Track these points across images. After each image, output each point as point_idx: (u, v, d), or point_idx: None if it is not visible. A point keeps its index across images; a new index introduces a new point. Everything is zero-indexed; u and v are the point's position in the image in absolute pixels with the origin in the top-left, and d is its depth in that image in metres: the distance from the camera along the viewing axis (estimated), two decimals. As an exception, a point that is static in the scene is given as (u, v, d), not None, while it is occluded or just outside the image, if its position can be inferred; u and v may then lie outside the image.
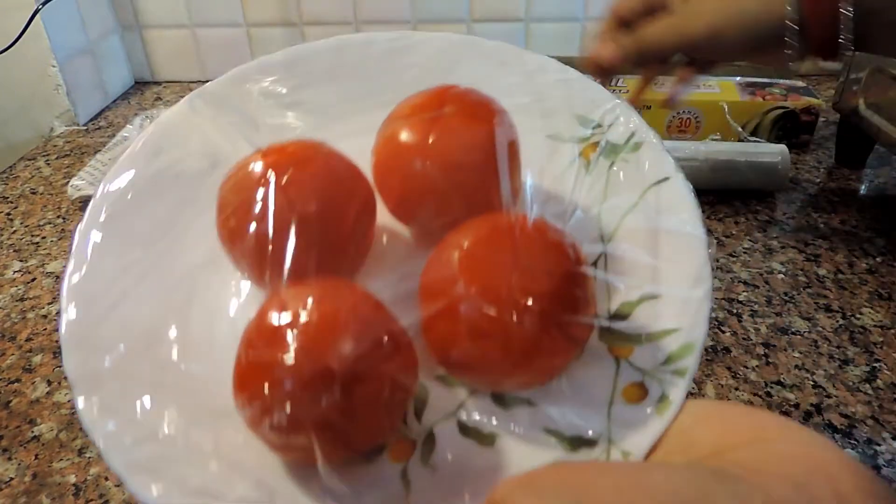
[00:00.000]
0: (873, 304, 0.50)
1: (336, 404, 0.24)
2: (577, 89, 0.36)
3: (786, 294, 0.51)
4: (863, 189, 0.64)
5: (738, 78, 0.73)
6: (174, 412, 0.27)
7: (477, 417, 0.28)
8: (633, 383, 0.28)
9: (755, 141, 0.66)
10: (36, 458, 0.40)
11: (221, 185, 0.31)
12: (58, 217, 0.65)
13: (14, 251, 0.60)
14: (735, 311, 0.49)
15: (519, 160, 0.33)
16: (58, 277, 0.56)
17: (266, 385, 0.24)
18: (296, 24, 0.91)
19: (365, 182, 0.33)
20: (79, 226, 0.32)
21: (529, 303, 0.26)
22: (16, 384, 0.45)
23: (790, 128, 0.70)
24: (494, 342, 0.26)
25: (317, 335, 0.25)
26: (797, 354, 0.46)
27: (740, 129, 0.68)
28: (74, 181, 0.64)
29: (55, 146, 0.79)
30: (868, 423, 0.40)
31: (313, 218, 0.29)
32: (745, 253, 0.56)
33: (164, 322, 0.31)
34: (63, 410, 0.43)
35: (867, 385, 0.43)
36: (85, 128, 0.84)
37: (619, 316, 0.30)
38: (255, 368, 0.25)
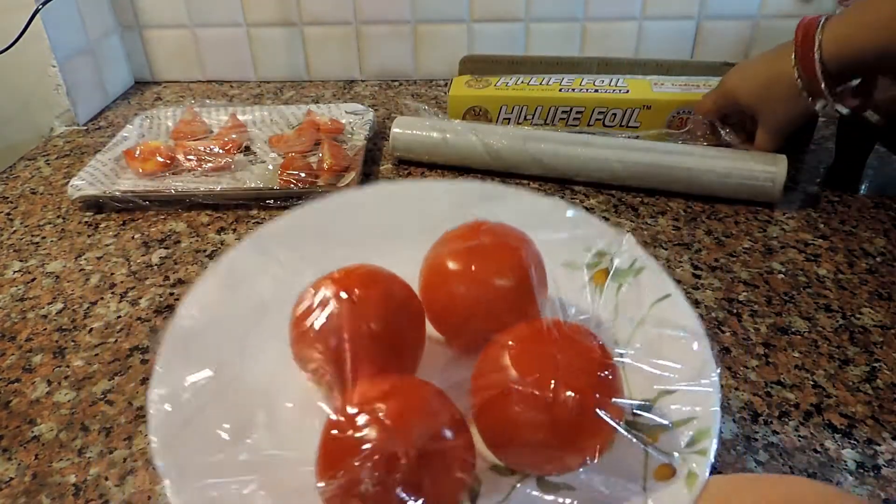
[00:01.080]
0: (873, 304, 0.50)
1: (411, 480, 0.28)
2: (585, 224, 0.45)
3: (786, 294, 0.51)
4: (863, 189, 0.64)
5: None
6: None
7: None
8: (663, 465, 0.33)
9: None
10: (36, 458, 0.40)
11: (295, 307, 0.36)
12: (58, 217, 0.65)
13: (14, 251, 0.60)
14: (735, 311, 0.49)
15: (546, 278, 0.39)
16: (58, 277, 0.56)
17: (350, 463, 0.28)
18: (296, 24, 0.91)
19: (417, 300, 0.39)
20: (160, 351, 0.37)
21: (572, 390, 0.31)
22: (16, 384, 0.45)
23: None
24: (543, 423, 0.31)
25: (393, 420, 0.29)
26: (797, 354, 0.46)
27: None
28: (74, 181, 0.64)
29: (55, 146, 0.79)
30: (868, 423, 0.40)
31: (381, 330, 0.35)
32: (745, 253, 0.56)
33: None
34: (63, 410, 0.43)
35: (867, 385, 0.43)
36: (85, 128, 0.84)
37: (643, 408, 0.35)
38: (340, 448, 0.29)
